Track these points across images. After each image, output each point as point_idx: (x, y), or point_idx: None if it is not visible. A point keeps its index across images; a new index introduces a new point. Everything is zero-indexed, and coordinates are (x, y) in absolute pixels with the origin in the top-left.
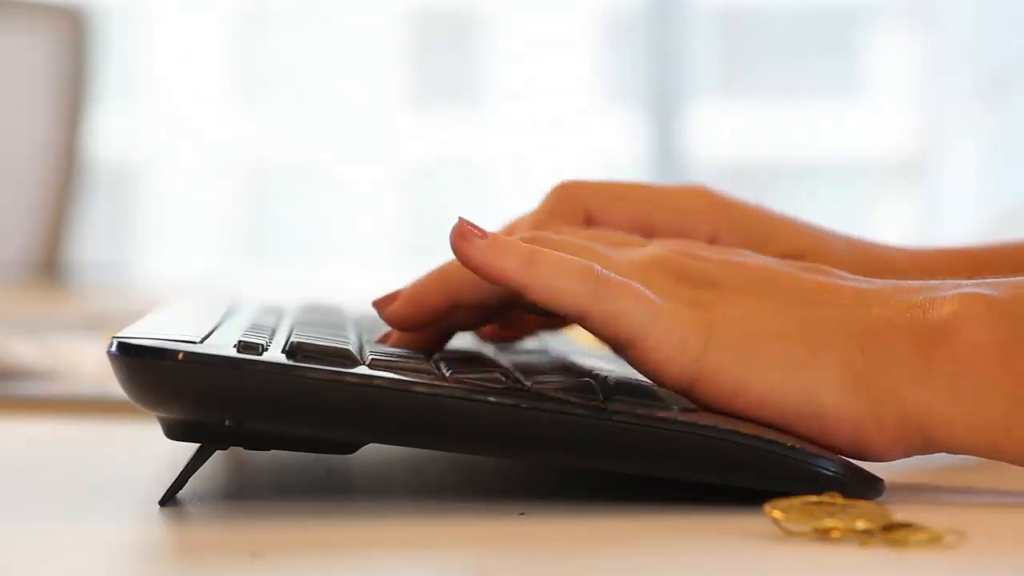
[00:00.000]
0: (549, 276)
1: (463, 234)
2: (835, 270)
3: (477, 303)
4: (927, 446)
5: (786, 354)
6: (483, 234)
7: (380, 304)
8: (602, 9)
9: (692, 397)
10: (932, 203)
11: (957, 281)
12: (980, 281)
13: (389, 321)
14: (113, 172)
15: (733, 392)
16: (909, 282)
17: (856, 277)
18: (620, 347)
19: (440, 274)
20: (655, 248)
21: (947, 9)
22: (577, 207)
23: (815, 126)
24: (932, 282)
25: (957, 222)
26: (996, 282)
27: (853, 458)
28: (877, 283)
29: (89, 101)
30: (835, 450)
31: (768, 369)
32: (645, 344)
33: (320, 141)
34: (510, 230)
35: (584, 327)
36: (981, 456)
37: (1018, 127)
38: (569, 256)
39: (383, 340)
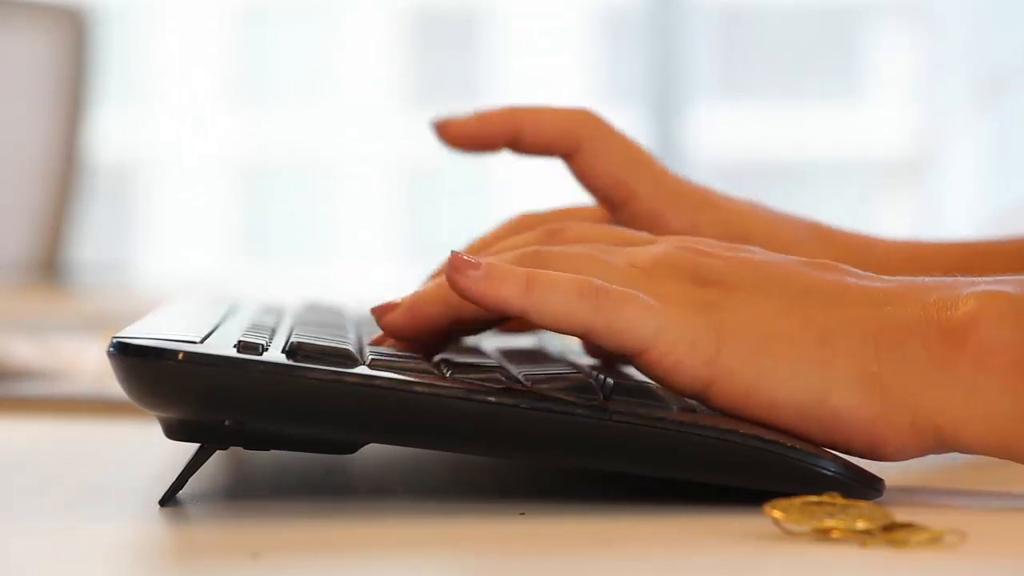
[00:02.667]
0: (548, 299)
1: (457, 268)
2: (847, 267)
3: (476, 319)
4: (940, 446)
5: (797, 355)
6: (477, 266)
7: (378, 312)
8: (602, 9)
9: (706, 402)
10: (932, 203)
11: (973, 279)
12: (999, 278)
13: (386, 331)
14: (113, 172)
15: (746, 394)
16: (923, 279)
17: (868, 274)
18: (630, 357)
19: (441, 288)
20: (662, 246)
21: (947, 9)
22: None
23: (815, 126)
24: (946, 279)
25: (957, 222)
26: (1015, 279)
27: (866, 459)
28: (891, 281)
29: (89, 101)
30: (848, 451)
31: (780, 371)
32: (654, 352)
33: (320, 141)
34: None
35: (592, 342)
36: (994, 456)
37: (1018, 127)
38: (566, 275)
39: (378, 342)
